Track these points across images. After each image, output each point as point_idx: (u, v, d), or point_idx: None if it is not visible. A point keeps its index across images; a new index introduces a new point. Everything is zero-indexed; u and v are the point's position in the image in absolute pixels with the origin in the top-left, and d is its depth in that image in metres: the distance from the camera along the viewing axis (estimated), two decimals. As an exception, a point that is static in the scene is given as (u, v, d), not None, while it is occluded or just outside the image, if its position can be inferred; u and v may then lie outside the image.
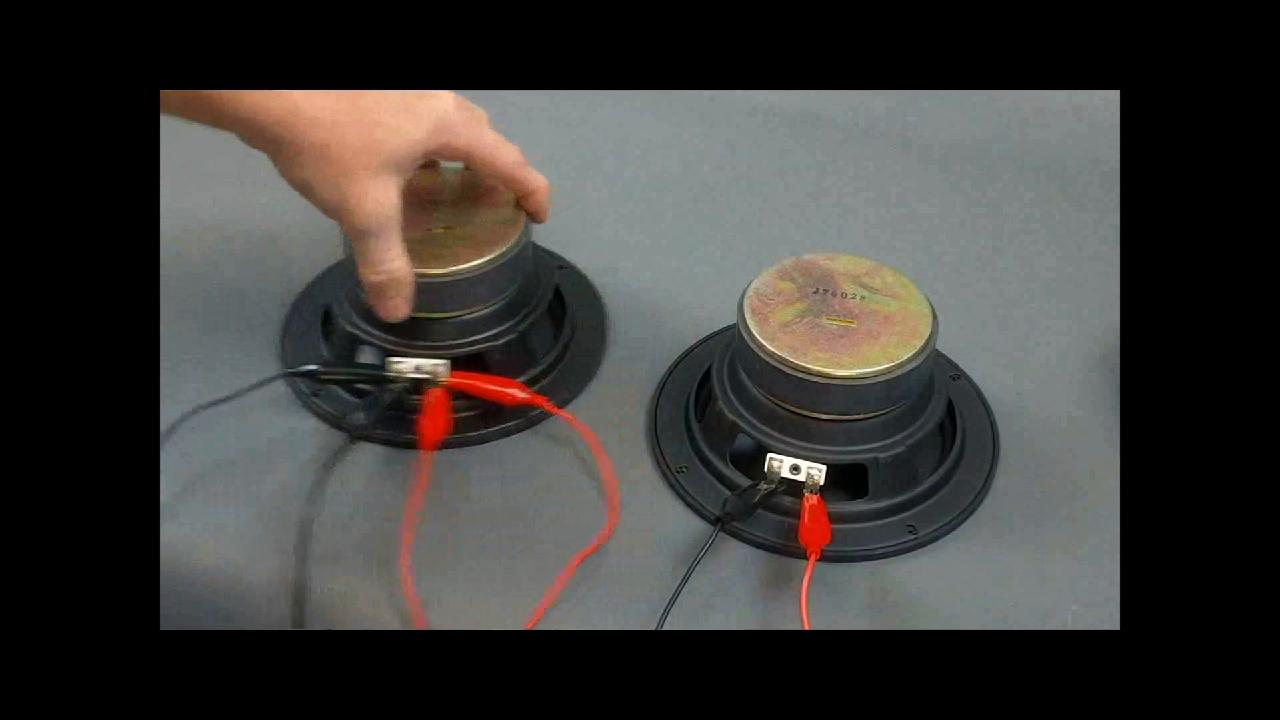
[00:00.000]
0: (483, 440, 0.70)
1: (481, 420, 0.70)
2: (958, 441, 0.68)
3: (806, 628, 0.58)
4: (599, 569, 0.64)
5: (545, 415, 0.71)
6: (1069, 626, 0.61)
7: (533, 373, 0.72)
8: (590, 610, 0.62)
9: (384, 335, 0.70)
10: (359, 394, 0.71)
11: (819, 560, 0.61)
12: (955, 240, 0.84)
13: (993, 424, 0.71)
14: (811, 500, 0.62)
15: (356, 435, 0.67)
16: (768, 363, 0.64)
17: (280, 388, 0.72)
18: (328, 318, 0.74)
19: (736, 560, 0.65)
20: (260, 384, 0.69)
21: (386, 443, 0.70)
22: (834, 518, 0.63)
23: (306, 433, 0.70)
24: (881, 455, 0.65)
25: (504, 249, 0.69)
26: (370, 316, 0.69)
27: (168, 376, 0.71)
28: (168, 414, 0.68)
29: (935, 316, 0.66)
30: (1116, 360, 0.75)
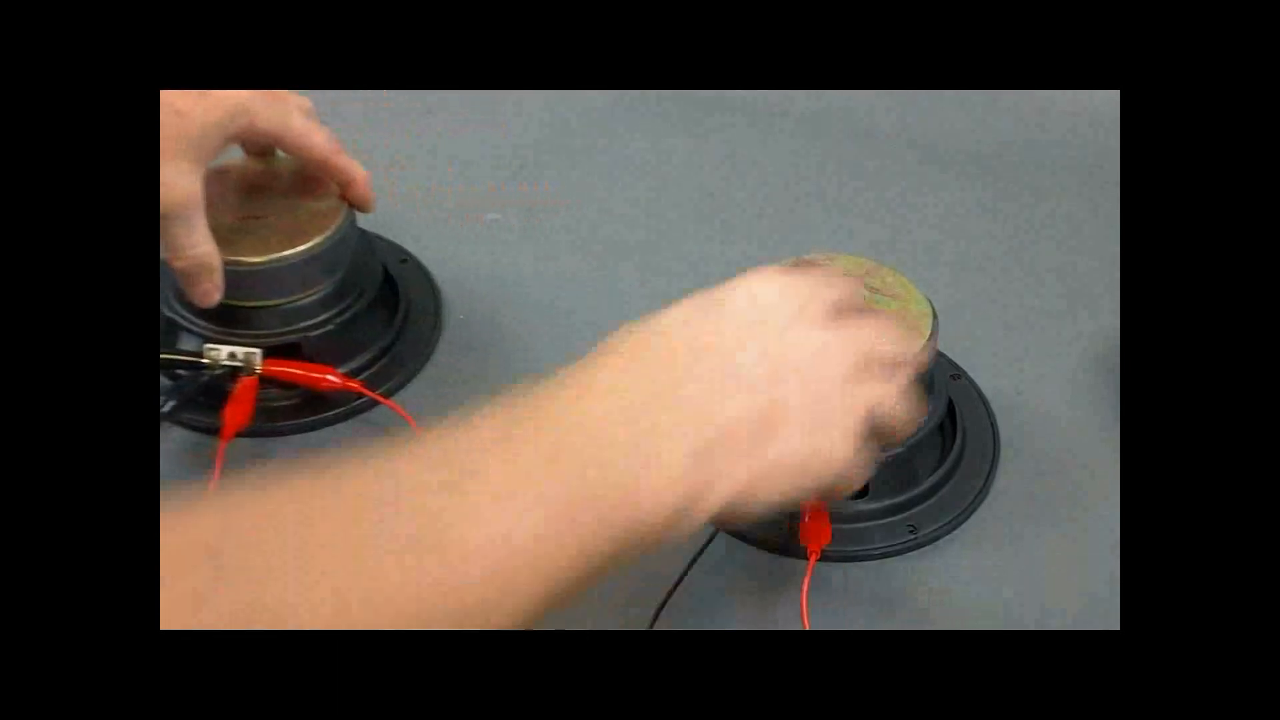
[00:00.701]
0: (303, 429, 0.71)
1: (299, 410, 0.71)
2: (958, 441, 0.68)
3: (807, 628, 0.58)
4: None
5: (370, 404, 0.71)
6: (1069, 626, 0.61)
7: (359, 361, 0.72)
8: (587, 610, 0.62)
9: (203, 323, 0.70)
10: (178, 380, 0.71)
11: (819, 560, 0.61)
12: (955, 240, 0.84)
13: (993, 424, 0.71)
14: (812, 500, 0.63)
15: (163, 419, 0.67)
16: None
17: None
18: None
19: (736, 560, 0.64)
20: None
21: (207, 430, 0.69)
22: (834, 518, 0.63)
23: None
24: (881, 455, 0.64)
25: (320, 239, 0.69)
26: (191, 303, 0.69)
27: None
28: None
29: (935, 316, 0.66)
30: (1116, 360, 0.74)
